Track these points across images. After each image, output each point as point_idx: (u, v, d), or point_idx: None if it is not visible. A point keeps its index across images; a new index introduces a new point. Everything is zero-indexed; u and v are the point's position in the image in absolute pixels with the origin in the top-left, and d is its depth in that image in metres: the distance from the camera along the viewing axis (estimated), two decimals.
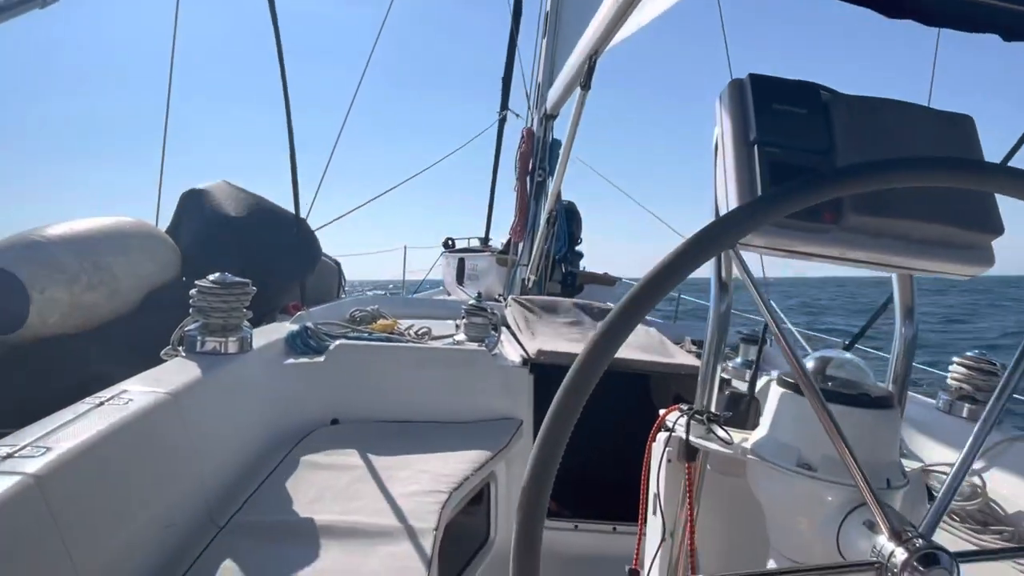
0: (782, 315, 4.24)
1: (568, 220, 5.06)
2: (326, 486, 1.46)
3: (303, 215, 2.90)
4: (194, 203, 3.23)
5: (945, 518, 1.12)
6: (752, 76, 0.88)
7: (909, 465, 0.87)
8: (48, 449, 0.96)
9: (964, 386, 1.77)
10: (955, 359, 1.81)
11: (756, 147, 0.81)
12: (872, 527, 0.68)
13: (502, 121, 7.77)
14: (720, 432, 0.92)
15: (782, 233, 0.81)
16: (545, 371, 2.08)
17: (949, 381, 1.81)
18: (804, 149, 0.82)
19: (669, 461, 0.99)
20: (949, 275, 0.88)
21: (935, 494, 1.04)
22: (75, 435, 1.03)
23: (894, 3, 1.29)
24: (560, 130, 4.89)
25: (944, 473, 1.31)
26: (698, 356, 2.34)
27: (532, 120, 5.16)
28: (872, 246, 0.83)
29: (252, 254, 3.02)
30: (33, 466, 0.90)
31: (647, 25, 3.24)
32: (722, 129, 0.88)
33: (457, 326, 2.50)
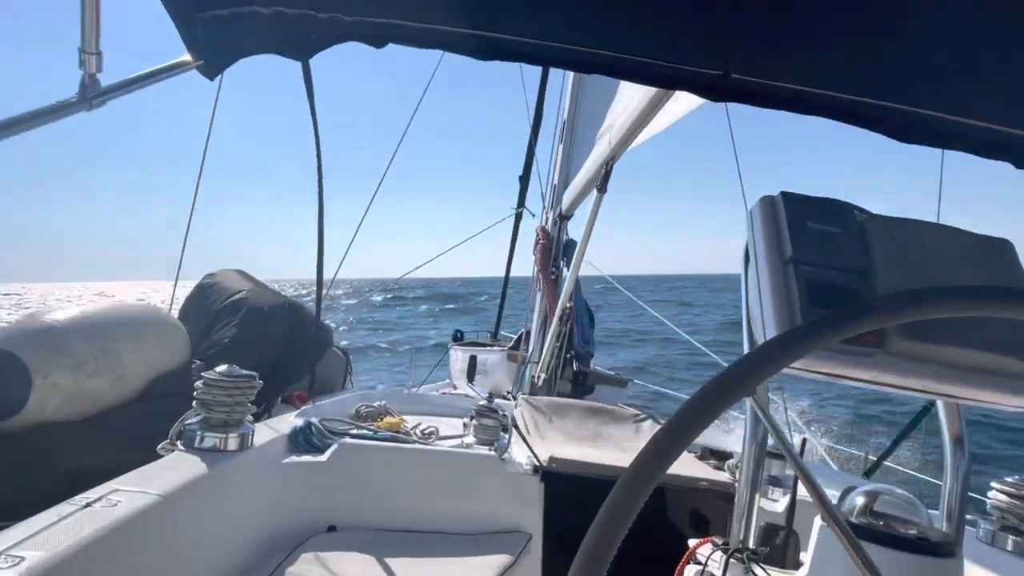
0: (806, 432, 4.09)
1: (584, 318, 5.04)
2: None
3: (322, 303, 2.91)
4: (209, 291, 3.25)
5: None
6: (784, 194, 0.87)
7: None
8: (21, 559, 0.89)
9: (1007, 516, 1.65)
10: (994, 485, 1.71)
11: (792, 266, 0.79)
12: None
13: (518, 217, 7.96)
14: (759, 572, 0.84)
15: (822, 355, 0.77)
16: (556, 480, 1.98)
17: (989, 509, 1.70)
18: (842, 269, 0.80)
19: None
20: (999, 406, 0.83)
21: None
22: (54, 543, 0.95)
23: (906, 128, 1.32)
24: (575, 230, 4.98)
25: None
26: (715, 468, 2.22)
27: (547, 219, 5.27)
28: (918, 372, 0.78)
29: (268, 345, 3.01)
30: None
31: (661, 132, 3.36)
32: (755, 246, 0.86)
33: (465, 425, 2.41)
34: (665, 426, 0.53)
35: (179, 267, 3.39)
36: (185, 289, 3.51)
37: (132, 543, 1.12)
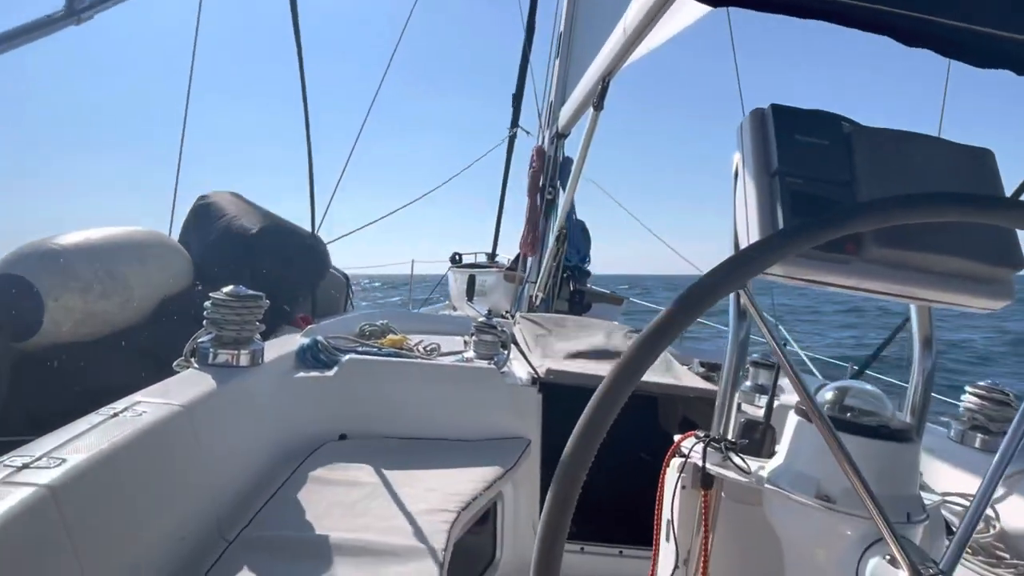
0: (791, 341, 4.21)
1: (579, 237, 5.07)
2: (334, 502, 1.45)
3: (316, 229, 2.93)
4: (205, 214, 3.26)
5: None
6: (774, 107, 0.88)
7: (927, 498, 0.87)
8: (63, 461, 0.96)
9: (977, 416, 1.75)
10: (967, 388, 1.80)
11: (778, 178, 0.82)
12: (892, 562, 0.68)
13: (512, 138, 7.82)
14: (737, 460, 0.92)
15: (802, 262, 0.81)
16: (554, 390, 2.08)
17: (961, 410, 1.80)
18: (826, 180, 0.83)
19: (684, 488, 0.99)
20: (969, 308, 0.88)
21: (952, 527, 1.03)
22: (89, 447, 1.03)
23: (912, 31, 1.30)
24: (571, 148, 4.92)
25: (960, 505, 1.30)
26: (706, 379, 2.33)
27: (543, 138, 5.19)
28: (893, 277, 0.83)
29: (263, 265, 3.04)
30: (48, 477, 0.91)
31: (660, 46, 3.27)
32: (743, 158, 0.88)
33: (466, 342, 2.50)
34: (643, 332, 0.58)
35: (175, 192, 3.38)
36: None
37: (160, 448, 1.20)
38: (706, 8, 1.68)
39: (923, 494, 0.86)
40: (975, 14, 1.25)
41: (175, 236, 3.43)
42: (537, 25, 6.99)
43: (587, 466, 0.55)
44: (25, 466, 0.94)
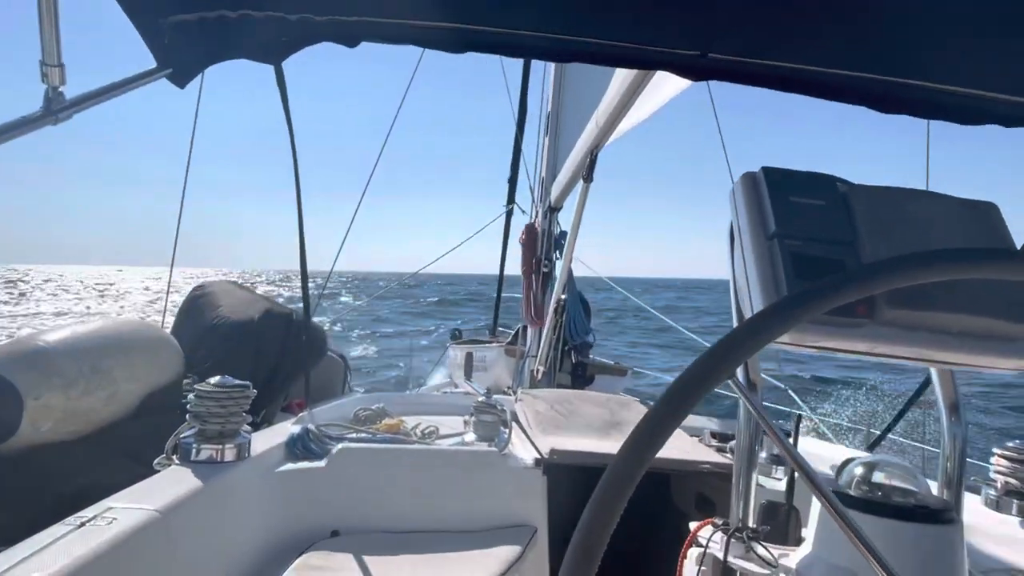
0: (805, 407, 4.09)
1: (578, 310, 5.03)
2: None
3: (313, 306, 2.90)
4: (199, 304, 3.24)
5: None
6: (765, 169, 0.86)
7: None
8: None
9: (1011, 480, 1.66)
10: (996, 451, 1.71)
11: (776, 240, 0.78)
12: None
13: (509, 214, 7.95)
14: (760, 551, 0.83)
15: (811, 328, 0.76)
16: (559, 472, 1.97)
17: (992, 475, 1.70)
18: (827, 241, 0.79)
19: None
20: (993, 369, 0.82)
21: None
22: (48, 565, 0.94)
23: (889, 98, 1.31)
24: (565, 221, 4.97)
25: None
26: (719, 451, 2.22)
27: (536, 214, 5.26)
28: (910, 340, 0.78)
29: (261, 357, 2.99)
30: None
31: (646, 120, 3.35)
32: (738, 223, 0.85)
33: (466, 423, 2.40)
34: (651, 411, 0.52)
35: (171, 268, 3.37)
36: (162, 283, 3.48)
37: (130, 561, 1.11)
38: (687, 82, 1.70)
39: (972, 572, 0.77)
40: (952, 75, 1.26)
41: (170, 322, 3.40)
42: (528, 107, 7.24)
43: (600, 555, 0.48)
44: None
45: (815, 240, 0.79)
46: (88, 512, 1.17)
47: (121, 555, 1.07)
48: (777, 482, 1.84)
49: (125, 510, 1.19)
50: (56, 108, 1.07)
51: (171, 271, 3.42)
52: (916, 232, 0.83)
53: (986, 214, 0.88)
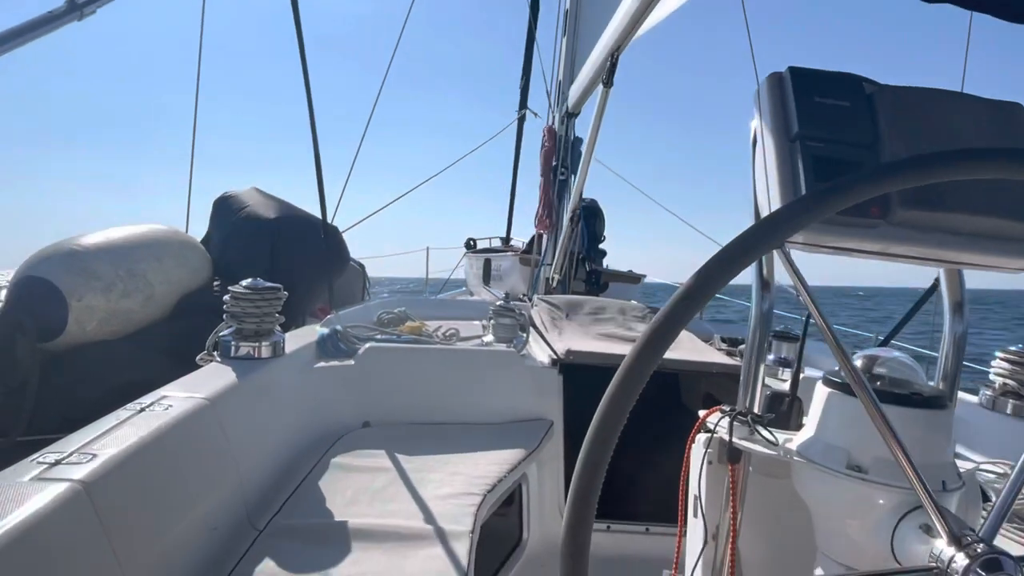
0: (819, 307, 4.14)
1: (591, 218, 5.03)
2: (361, 489, 1.46)
3: (329, 219, 2.93)
4: (225, 209, 3.28)
5: None
6: (792, 69, 0.86)
7: (961, 466, 0.85)
8: (94, 455, 0.98)
9: (1008, 381, 1.72)
10: (997, 354, 1.77)
11: (799, 142, 0.80)
12: (929, 531, 0.66)
13: (521, 120, 7.76)
14: (764, 433, 0.91)
15: (826, 229, 0.79)
16: (574, 371, 2.07)
17: (992, 376, 1.76)
18: (848, 143, 0.80)
19: (710, 463, 0.98)
20: (1000, 269, 0.86)
21: (988, 495, 1.01)
22: (119, 441, 1.04)
23: None
24: (582, 128, 4.86)
25: (994, 472, 1.28)
26: (728, 354, 2.31)
27: (553, 119, 5.14)
28: (921, 241, 0.81)
29: (282, 259, 3.05)
30: (81, 472, 0.92)
31: (668, 18, 3.21)
32: (761, 124, 0.86)
33: (484, 327, 2.50)
34: (664, 307, 0.57)
35: (189, 188, 3.40)
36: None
37: (187, 440, 1.22)
38: None
39: (957, 462, 0.84)
40: None
41: (192, 232, 3.46)
42: (542, 5, 6.89)
43: (612, 446, 0.54)
44: (57, 462, 0.95)
45: (837, 142, 0.81)
46: (146, 399, 1.27)
47: (180, 435, 1.18)
48: (783, 383, 1.93)
49: (178, 398, 1.30)
50: (81, 2, 1.07)
51: (191, 177, 3.43)
52: (939, 133, 0.84)
53: (1011, 114, 0.88)
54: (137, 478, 1.02)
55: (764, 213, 0.84)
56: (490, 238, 8.45)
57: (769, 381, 1.89)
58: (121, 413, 1.19)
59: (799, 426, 0.97)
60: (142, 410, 1.21)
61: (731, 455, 0.94)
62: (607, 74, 3.14)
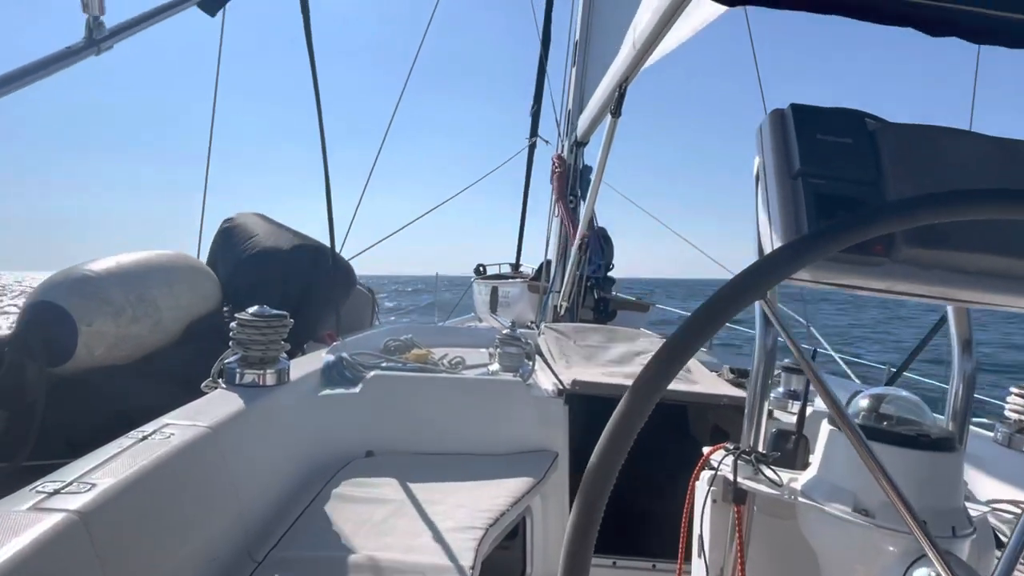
0: (824, 343, 4.11)
1: (600, 245, 5.04)
2: (362, 520, 1.45)
3: (338, 246, 2.96)
4: (232, 236, 3.32)
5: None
6: (793, 106, 0.86)
7: (973, 508, 0.82)
8: (93, 485, 0.97)
9: None
10: (1013, 389, 1.74)
11: (801, 179, 0.79)
12: None
13: (532, 147, 7.83)
14: (769, 473, 0.89)
15: (829, 267, 0.78)
16: (580, 401, 2.05)
17: (1007, 413, 1.73)
18: (851, 180, 0.80)
19: (714, 502, 0.96)
20: (1009, 308, 0.84)
21: (1002, 537, 0.98)
22: (119, 471, 1.04)
23: (937, 20, 1.26)
24: (590, 156, 4.90)
25: (1010, 513, 1.24)
26: (736, 385, 2.28)
27: (562, 147, 5.18)
28: (926, 279, 0.80)
29: (293, 287, 3.08)
30: (78, 502, 0.92)
31: (677, 50, 3.24)
32: (763, 160, 0.86)
33: (491, 355, 2.49)
34: (667, 341, 0.56)
35: (202, 215, 3.45)
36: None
37: (188, 470, 1.21)
38: (721, 8, 1.65)
39: (969, 504, 0.82)
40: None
41: (203, 257, 3.50)
42: (553, 35, 7.01)
43: (612, 478, 0.54)
44: (56, 492, 0.95)
45: (839, 179, 0.80)
46: (148, 427, 1.27)
47: (181, 464, 1.18)
48: (792, 416, 1.90)
49: (180, 426, 1.30)
50: (98, 38, 1.09)
51: (204, 200, 3.48)
52: (944, 172, 0.83)
53: (1018, 153, 0.87)
54: (135, 509, 1.02)
55: (767, 250, 0.83)
56: (499, 264, 8.47)
57: (778, 415, 1.85)
58: (123, 441, 1.19)
59: (805, 465, 0.95)
60: (144, 438, 1.21)
61: (736, 495, 0.92)
62: (615, 104, 3.16)
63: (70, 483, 0.98)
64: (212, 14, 1.31)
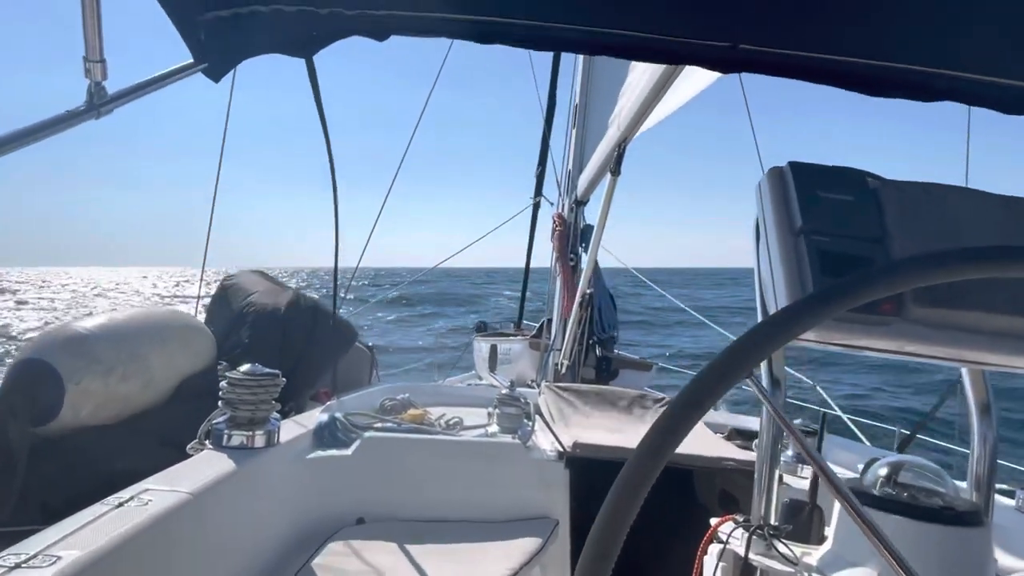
0: (833, 404, 4.01)
1: (602, 303, 5.01)
2: None
3: (338, 300, 2.94)
4: (230, 294, 3.31)
5: None
6: (792, 164, 0.85)
7: None
8: (58, 558, 0.91)
9: None
10: None
11: (803, 236, 0.77)
12: None
13: (536, 207, 7.93)
14: (782, 548, 0.83)
15: (836, 326, 0.75)
16: (582, 465, 1.98)
17: None
18: (855, 237, 0.78)
19: None
20: None
21: None
22: (89, 542, 0.98)
23: (929, 87, 1.28)
24: (591, 215, 4.95)
25: None
26: (742, 448, 2.20)
27: (563, 205, 5.24)
28: (938, 339, 0.76)
29: (292, 348, 3.05)
30: None
31: (675, 113, 3.31)
32: (764, 218, 0.84)
33: (490, 415, 2.42)
34: (669, 407, 0.52)
35: (203, 267, 3.45)
36: (209, 287, 3.57)
37: (165, 540, 1.14)
38: (716, 74, 1.69)
39: None
40: (994, 65, 1.22)
41: (203, 313, 3.49)
42: (557, 99, 7.20)
43: (616, 550, 0.49)
44: (17, 565, 0.88)
45: (843, 236, 0.78)
46: (125, 493, 1.21)
47: (155, 535, 1.11)
48: (803, 481, 1.82)
49: (159, 492, 1.23)
50: (99, 102, 1.11)
51: (203, 266, 3.50)
52: (949, 229, 0.81)
53: (1022, 211, 0.85)
54: None
55: (771, 307, 0.80)
56: (501, 323, 8.44)
57: (789, 480, 1.78)
58: (97, 508, 1.13)
59: (821, 538, 0.88)
60: (119, 505, 1.15)
61: (745, 571, 0.85)
62: (615, 163, 3.21)
63: (34, 555, 0.92)
64: (216, 80, 1.32)
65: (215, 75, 1.29)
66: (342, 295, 3.48)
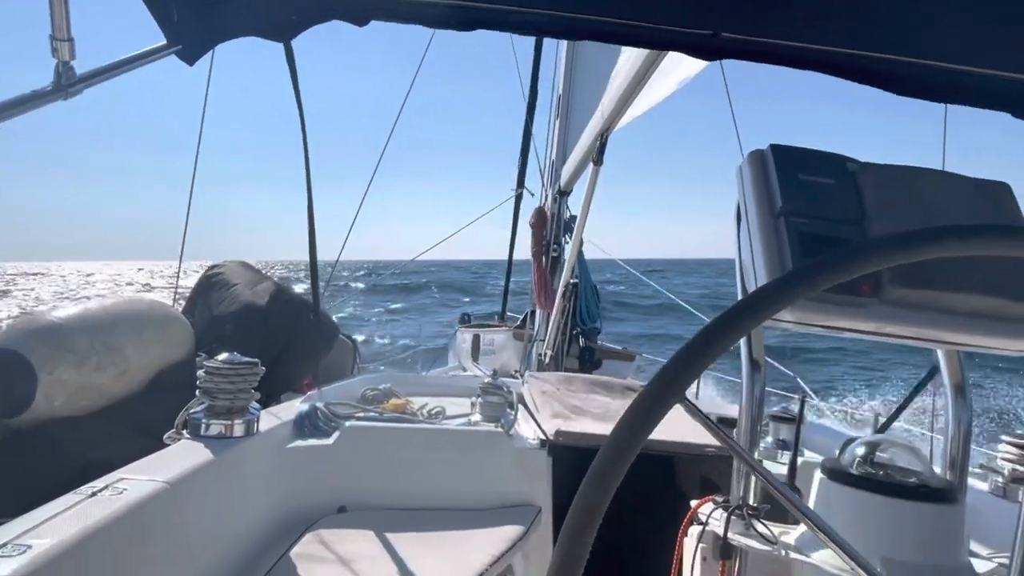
0: (810, 393, 4.07)
1: (586, 294, 5.03)
2: None
3: (318, 294, 2.91)
4: (212, 284, 3.26)
5: None
6: (774, 147, 0.85)
7: (979, 565, 0.77)
8: (27, 548, 0.89)
9: (1018, 467, 1.65)
10: (1004, 438, 1.70)
11: (783, 218, 0.77)
12: None
13: (518, 198, 7.92)
14: (761, 528, 0.83)
15: (814, 307, 0.75)
16: (564, 453, 1.98)
17: (1000, 462, 1.69)
18: (834, 219, 0.78)
19: (704, 559, 0.90)
20: (1001, 351, 0.81)
21: None
22: (60, 531, 0.96)
23: (903, 81, 1.29)
24: (574, 204, 4.95)
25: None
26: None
27: (546, 197, 5.24)
28: (915, 320, 0.77)
29: (269, 338, 3.02)
30: (8, 568, 0.83)
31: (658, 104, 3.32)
32: (744, 200, 0.84)
33: (472, 404, 2.42)
34: (646, 387, 0.52)
35: (180, 260, 3.39)
36: (188, 278, 3.52)
37: (139, 530, 1.13)
38: (701, 64, 1.69)
39: (973, 560, 0.77)
40: (969, 56, 1.23)
41: (182, 302, 3.43)
42: (540, 91, 7.18)
43: (592, 532, 0.49)
44: None
45: (822, 218, 0.79)
46: (100, 483, 1.19)
47: (131, 524, 1.09)
48: (782, 467, 1.84)
49: (135, 481, 1.21)
50: (67, 83, 1.07)
51: (181, 257, 3.44)
52: (926, 211, 0.82)
53: (998, 194, 0.86)
54: (74, 575, 0.93)
55: (751, 287, 0.81)
56: (485, 313, 8.44)
57: (768, 464, 1.80)
58: (71, 498, 1.10)
59: (798, 519, 0.89)
60: (94, 494, 1.13)
61: (725, 551, 0.86)
62: (597, 153, 3.22)
63: (2, 546, 0.89)
64: (191, 63, 1.29)
65: (189, 58, 1.26)
66: (325, 288, 3.45)
